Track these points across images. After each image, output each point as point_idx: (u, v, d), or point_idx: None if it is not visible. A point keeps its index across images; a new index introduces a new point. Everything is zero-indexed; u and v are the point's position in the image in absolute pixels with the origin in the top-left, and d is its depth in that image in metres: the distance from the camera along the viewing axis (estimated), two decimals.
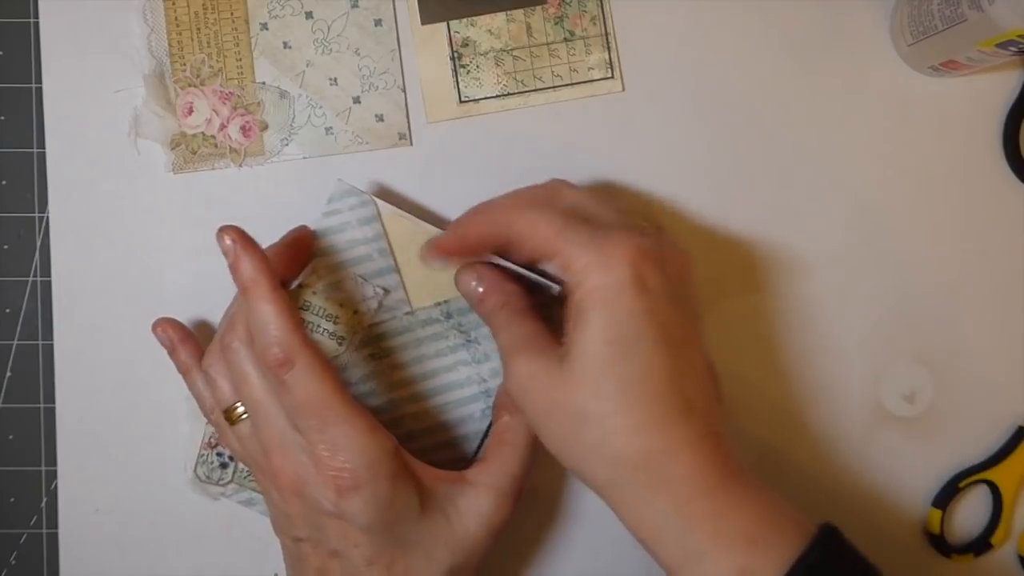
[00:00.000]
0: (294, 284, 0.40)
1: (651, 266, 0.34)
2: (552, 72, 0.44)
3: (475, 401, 0.41)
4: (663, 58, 0.44)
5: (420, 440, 0.41)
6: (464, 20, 0.44)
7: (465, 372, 0.41)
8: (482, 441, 0.41)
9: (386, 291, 0.41)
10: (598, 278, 0.34)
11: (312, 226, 0.41)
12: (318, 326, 0.40)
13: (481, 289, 0.39)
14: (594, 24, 0.44)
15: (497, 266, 0.38)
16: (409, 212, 0.44)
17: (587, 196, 0.38)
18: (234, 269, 0.36)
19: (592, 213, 0.37)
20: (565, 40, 0.44)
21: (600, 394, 0.34)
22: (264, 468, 0.36)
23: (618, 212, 0.37)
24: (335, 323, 0.40)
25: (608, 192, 0.43)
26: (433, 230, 0.41)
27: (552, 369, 0.35)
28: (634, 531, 0.35)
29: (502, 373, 0.38)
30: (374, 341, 0.41)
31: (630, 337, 0.33)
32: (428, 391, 0.41)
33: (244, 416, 0.37)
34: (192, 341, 0.41)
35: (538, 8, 0.44)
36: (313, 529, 0.36)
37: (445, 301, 0.41)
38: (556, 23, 0.44)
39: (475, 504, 0.37)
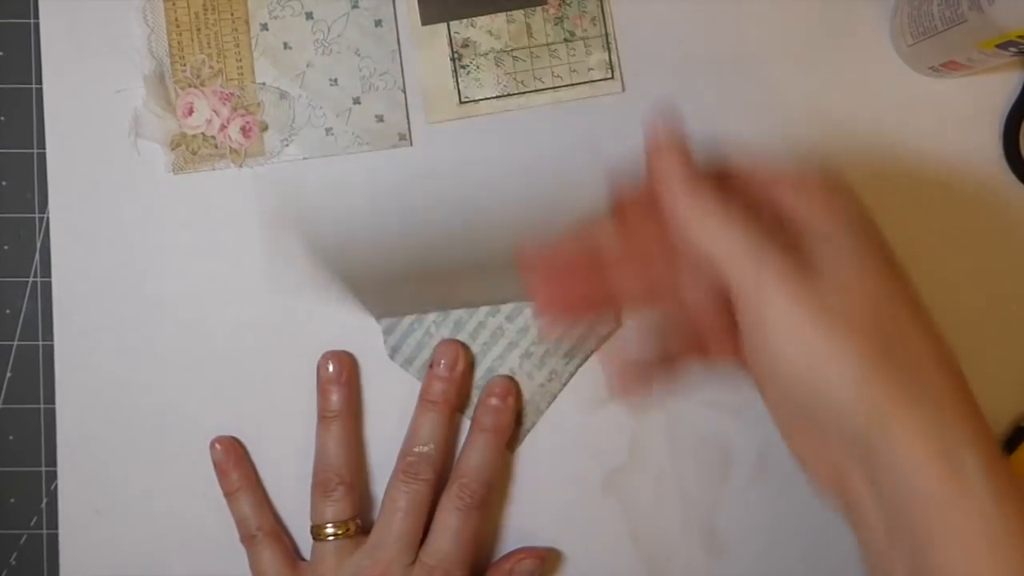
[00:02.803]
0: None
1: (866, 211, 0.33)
2: (552, 73, 0.44)
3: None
4: (663, 59, 0.44)
5: None
6: (464, 21, 0.44)
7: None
8: None
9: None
10: (827, 205, 0.32)
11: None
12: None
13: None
14: (594, 25, 0.44)
15: None
16: (407, 215, 0.44)
17: None
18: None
19: None
20: (565, 41, 0.44)
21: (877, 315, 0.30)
22: None
23: None
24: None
25: None
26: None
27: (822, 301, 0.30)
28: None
29: None
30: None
31: (889, 264, 0.32)
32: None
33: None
34: (245, 463, 0.43)
35: (538, 9, 0.44)
36: None
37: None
38: (556, 24, 0.44)
39: None
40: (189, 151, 0.44)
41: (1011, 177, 0.44)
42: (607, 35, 0.44)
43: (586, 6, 0.44)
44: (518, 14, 0.44)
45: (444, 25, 0.44)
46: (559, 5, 0.44)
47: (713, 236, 0.31)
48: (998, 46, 0.38)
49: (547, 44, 0.44)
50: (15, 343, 0.44)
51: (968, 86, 0.44)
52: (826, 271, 0.30)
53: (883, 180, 0.44)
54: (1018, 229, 0.44)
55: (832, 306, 0.30)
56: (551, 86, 0.44)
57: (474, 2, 0.44)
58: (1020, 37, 0.37)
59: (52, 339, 0.44)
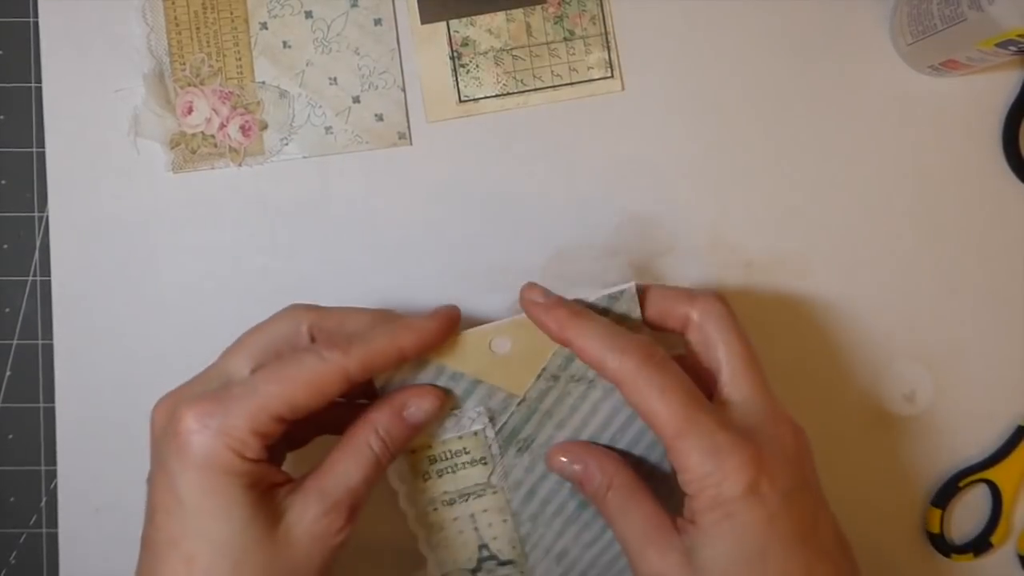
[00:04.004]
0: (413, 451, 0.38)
1: (767, 469, 0.33)
2: (552, 72, 0.44)
3: (635, 419, 0.38)
4: (663, 58, 0.44)
5: None
6: (464, 19, 0.44)
7: (608, 405, 0.38)
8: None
9: (487, 407, 0.38)
10: (716, 492, 0.33)
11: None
12: (456, 464, 0.38)
13: (578, 467, 0.37)
14: (594, 24, 0.44)
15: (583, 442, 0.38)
16: (407, 214, 0.44)
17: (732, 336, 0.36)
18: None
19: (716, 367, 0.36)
20: (565, 40, 0.44)
21: None
22: None
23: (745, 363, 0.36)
24: (468, 453, 0.38)
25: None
26: (473, 330, 0.37)
27: (684, 571, 0.33)
28: None
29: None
30: (512, 439, 0.38)
31: (756, 551, 0.32)
32: (591, 439, 0.39)
33: None
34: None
35: (538, 7, 0.44)
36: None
37: (543, 369, 0.37)
38: (556, 23, 0.44)
39: (300, 510, 0.33)
40: (188, 150, 0.44)
41: (1011, 177, 0.44)
42: (607, 34, 0.44)
43: (586, 5, 0.44)
44: (517, 13, 0.44)
45: (443, 24, 0.44)
46: (559, 4, 0.44)
47: None
48: (998, 45, 0.38)
49: (547, 43, 0.44)
50: (15, 342, 0.44)
51: (968, 85, 0.44)
52: (705, 566, 0.33)
53: (883, 180, 0.44)
54: (1018, 229, 0.44)
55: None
56: (550, 85, 0.44)
57: (474, 1, 0.44)
58: (1020, 36, 0.36)
59: (52, 338, 0.44)
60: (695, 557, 0.33)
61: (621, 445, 0.39)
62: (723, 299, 0.37)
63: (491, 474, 0.39)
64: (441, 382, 0.37)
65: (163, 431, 0.34)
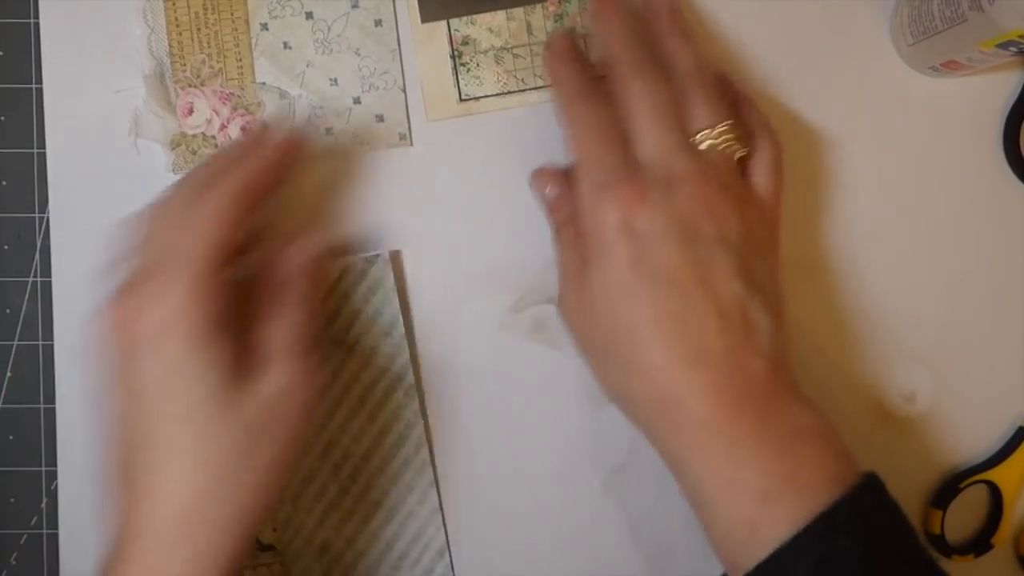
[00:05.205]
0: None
1: (645, 209, 0.34)
2: None
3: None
4: None
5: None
6: (464, 18, 0.44)
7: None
8: None
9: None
10: (591, 224, 0.35)
11: None
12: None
13: (554, 197, 0.40)
14: None
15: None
16: (407, 214, 0.44)
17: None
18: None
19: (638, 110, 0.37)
20: None
21: (613, 337, 0.35)
22: None
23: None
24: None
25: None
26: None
27: (585, 304, 0.36)
28: (664, 461, 0.36)
29: None
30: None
31: (624, 284, 0.34)
32: None
33: None
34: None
35: (538, 6, 0.44)
36: None
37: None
38: (556, 21, 0.44)
39: (264, 369, 0.34)
40: (189, 151, 0.44)
41: (1011, 177, 0.44)
42: None
43: (586, 3, 0.44)
44: (518, 11, 0.44)
45: (444, 23, 0.44)
46: (559, 2, 0.44)
47: None
48: (998, 46, 0.38)
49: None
50: (15, 343, 0.44)
51: (968, 86, 0.44)
52: (590, 295, 0.37)
53: (883, 180, 0.44)
54: (1018, 229, 0.44)
55: None
56: (551, 84, 0.44)
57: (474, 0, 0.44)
58: (1020, 37, 0.37)
59: (52, 339, 0.44)
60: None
61: None
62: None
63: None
64: None
65: (117, 338, 0.33)
